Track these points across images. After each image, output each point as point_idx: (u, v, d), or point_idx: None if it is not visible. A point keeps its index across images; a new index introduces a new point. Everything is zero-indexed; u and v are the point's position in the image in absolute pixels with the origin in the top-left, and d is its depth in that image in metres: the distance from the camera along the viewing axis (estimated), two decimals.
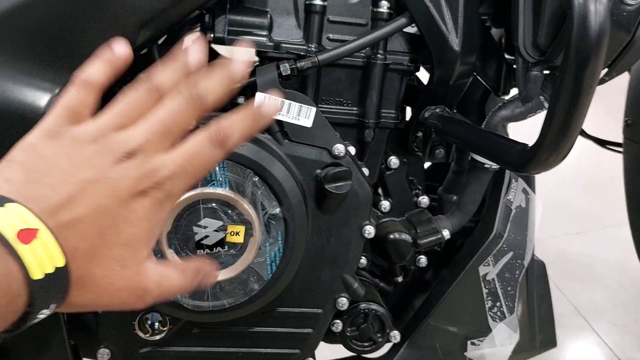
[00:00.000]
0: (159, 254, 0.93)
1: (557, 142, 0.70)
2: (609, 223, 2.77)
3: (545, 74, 1.01)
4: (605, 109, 2.38)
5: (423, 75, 1.30)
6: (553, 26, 0.92)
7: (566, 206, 2.89)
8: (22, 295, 0.51)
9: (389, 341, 1.20)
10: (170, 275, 0.67)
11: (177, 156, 0.62)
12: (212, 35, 1.02)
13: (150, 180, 0.60)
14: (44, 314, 0.55)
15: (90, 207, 0.58)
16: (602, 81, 1.05)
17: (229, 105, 1.10)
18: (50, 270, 0.53)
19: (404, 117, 1.20)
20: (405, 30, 1.05)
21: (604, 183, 2.93)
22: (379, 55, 1.06)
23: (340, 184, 0.98)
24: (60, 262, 0.54)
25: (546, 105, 1.04)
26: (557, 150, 0.71)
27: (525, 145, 0.79)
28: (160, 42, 1.04)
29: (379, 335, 1.18)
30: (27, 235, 0.52)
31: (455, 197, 1.25)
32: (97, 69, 0.66)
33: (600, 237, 2.71)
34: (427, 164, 1.33)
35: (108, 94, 1.00)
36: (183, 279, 0.68)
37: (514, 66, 1.05)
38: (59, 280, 0.55)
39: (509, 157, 0.80)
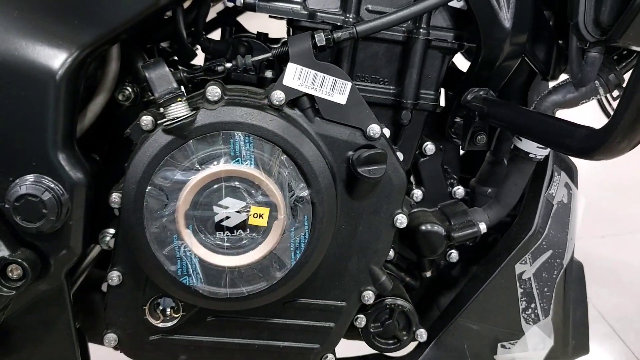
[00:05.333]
0: (175, 233, 0.86)
1: (634, 125, 0.62)
2: (637, 227, 2.68)
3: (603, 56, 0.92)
4: None
5: (458, 59, 1.22)
6: (619, 1, 0.83)
7: (591, 207, 2.79)
8: None
9: (415, 340, 1.12)
10: None
11: None
12: (242, 1, 0.94)
13: None
14: None
15: None
16: None
17: (256, 80, 1.04)
18: None
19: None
20: (451, 4, 0.97)
21: (632, 184, 2.83)
22: (421, 30, 0.98)
23: (373, 167, 0.90)
24: None
25: (601, 91, 0.96)
26: (632, 133, 0.63)
27: (591, 128, 0.71)
28: (186, 5, 0.97)
29: (404, 333, 1.11)
30: None
31: (489, 190, 1.17)
32: None
33: (628, 241, 2.62)
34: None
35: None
36: None
37: (567, 48, 0.96)
38: None
39: (573, 141, 0.72)
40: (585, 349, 1.26)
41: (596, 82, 0.95)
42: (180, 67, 1.03)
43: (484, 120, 1.01)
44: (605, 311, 2.19)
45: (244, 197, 0.86)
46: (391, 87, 1.03)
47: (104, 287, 0.98)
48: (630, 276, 2.42)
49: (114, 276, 0.95)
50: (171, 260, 0.88)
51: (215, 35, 1.26)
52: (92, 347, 1.15)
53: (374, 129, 0.92)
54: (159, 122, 0.86)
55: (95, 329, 1.11)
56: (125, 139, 0.90)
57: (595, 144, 0.68)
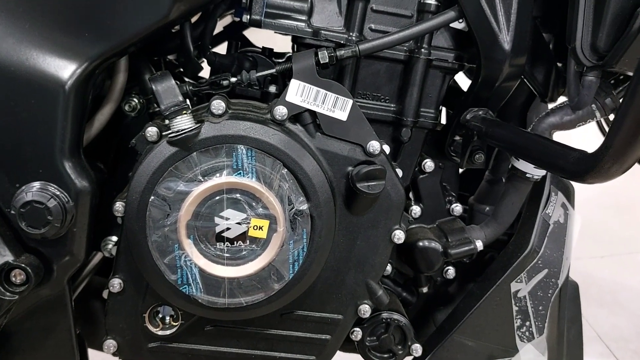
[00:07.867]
0: (176, 243, 0.88)
1: (624, 150, 0.63)
2: (636, 248, 2.68)
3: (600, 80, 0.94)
4: None
5: (460, 79, 1.24)
6: (615, 28, 0.85)
7: (591, 228, 2.79)
8: None
9: (410, 354, 1.13)
10: None
11: None
12: (248, 17, 0.97)
13: None
14: None
15: None
16: None
17: (260, 94, 1.06)
18: None
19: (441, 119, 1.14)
20: (452, 25, 1.00)
21: (632, 205, 2.83)
22: (422, 50, 1.00)
23: (372, 183, 0.92)
24: None
25: (598, 114, 0.98)
26: (623, 158, 0.64)
27: (584, 152, 0.73)
28: (193, 20, 0.99)
29: (399, 347, 1.12)
30: None
31: (487, 208, 1.19)
32: None
33: (627, 262, 2.62)
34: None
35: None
36: None
37: (565, 71, 0.98)
38: None
39: (565, 163, 0.74)
40: None
41: (593, 105, 0.96)
42: (186, 80, 1.06)
43: (482, 139, 1.03)
44: (603, 331, 2.20)
45: (245, 209, 0.88)
46: (392, 105, 1.05)
47: (105, 294, 0.99)
48: (628, 297, 2.42)
49: (115, 283, 0.96)
50: (172, 269, 0.90)
51: (222, 48, 1.28)
52: (91, 353, 1.16)
53: (374, 146, 0.94)
54: (163, 133, 0.87)
55: (94, 335, 1.12)
56: (130, 149, 0.91)
57: (587, 167, 0.69)
